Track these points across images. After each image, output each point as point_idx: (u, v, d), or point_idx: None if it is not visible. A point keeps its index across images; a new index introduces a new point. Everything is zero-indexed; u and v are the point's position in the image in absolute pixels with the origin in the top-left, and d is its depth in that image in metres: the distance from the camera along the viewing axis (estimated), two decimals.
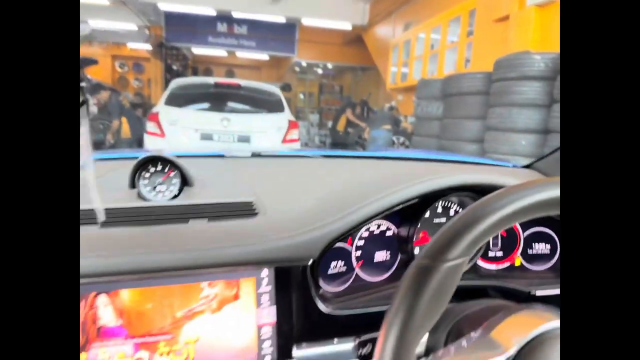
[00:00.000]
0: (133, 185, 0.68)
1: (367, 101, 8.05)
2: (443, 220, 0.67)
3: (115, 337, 0.51)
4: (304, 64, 14.62)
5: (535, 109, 3.35)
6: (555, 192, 0.37)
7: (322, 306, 0.57)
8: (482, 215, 0.37)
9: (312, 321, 0.57)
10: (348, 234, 0.59)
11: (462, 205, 0.67)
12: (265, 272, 0.55)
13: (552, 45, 3.70)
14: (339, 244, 0.63)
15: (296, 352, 0.56)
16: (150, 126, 4.03)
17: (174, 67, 11.97)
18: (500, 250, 0.71)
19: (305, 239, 0.55)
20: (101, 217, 0.55)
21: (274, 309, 0.56)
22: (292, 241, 0.54)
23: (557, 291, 0.66)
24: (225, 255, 0.52)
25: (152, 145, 3.91)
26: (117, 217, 0.57)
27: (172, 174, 0.69)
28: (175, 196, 0.68)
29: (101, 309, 0.51)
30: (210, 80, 4.88)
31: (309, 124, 12.09)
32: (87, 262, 0.49)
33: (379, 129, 6.23)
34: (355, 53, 12.86)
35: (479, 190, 0.64)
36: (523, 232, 0.71)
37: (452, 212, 0.68)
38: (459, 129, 4.39)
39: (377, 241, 0.66)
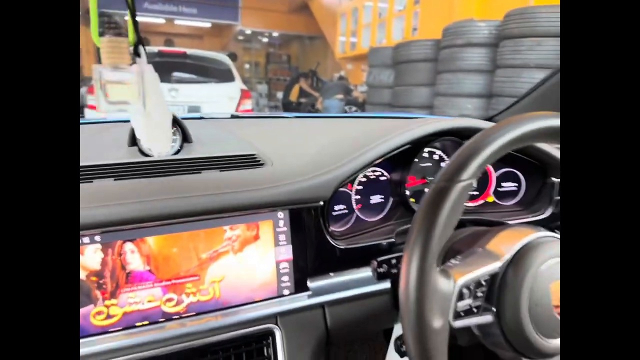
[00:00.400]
0: (133, 142, 0.68)
1: (316, 71, 8.02)
2: (429, 164, 0.75)
3: (144, 281, 0.54)
4: (248, 32, 14.09)
5: (480, 74, 3.57)
6: (552, 122, 0.44)
7: (332, 242, 0.63)
8: (489, 141, 0.44)
9: (324, 256, 0.63)
10: (352, 178, 0.65)
11: (445, 150, 0.75)
12: (281, 215, 0.60)
13: (494, 13, 3.91)
14: (341, 189, 0.69)
15: (310, 283, 0.62)
16: (91, 99, 3.77)
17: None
18: (476, 190, 0.81)
19: (316, 182, 0.59)
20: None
21: (290, 247, 0.61)
22: (305, 184, 0.59)
23: (524, 220, 0.77)
24: (244, 198, 0.56)
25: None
26: (129, 170, 0.58)
27: (173, 131, 0.69)
28: (177, 152, 0.69)
29: (129, 255, 0.53)
30: (154, 49, 4.60)
31: (258, 95, 11.83)
32: (108, 210, 0.50)
33: (331, 98, 6.28)
34: (301, 21, 12.61)
35: (459, 136, 0.72)
36: (495, 171, 0.81)
37: (436, 157, 0.75)
38: (410, 96, 4.56)
39: (373, 186, 0.72)
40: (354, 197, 0.70)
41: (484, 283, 0.47)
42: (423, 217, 0.43)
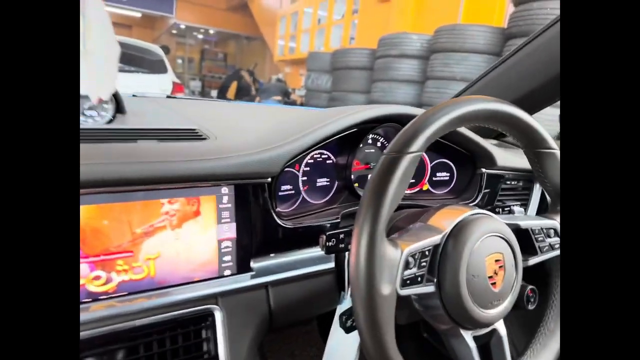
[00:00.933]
0: None
1: (253, 71, 7.93)
2: (372, 151, 0.77)
3: None
4: (182, 26, 13.52)
5: (411, 85, 3.78)
6: (494, 106, 0.48)
7: (278, 221, 0.61)
8: (438, 117, 0.46)
9: (269, 235, 0.61)
10: (299, 158, 0.64)
11: (386, 137, 0.78)
12: (225, 190, 0.57)
13: (426, 27, 4.18)
14: (288, 168, 0.67)
15: (253, 264, 0.60)
16: None
17: None
18: (412, 178, 0.85)
19: (265, 157, 0.58)
20: None
21: (233, 224, 0.58)
22: (252, 158, 0.57)
23: None
24: (185, 169, 0.52)
25: None
26: None
27: (105, 100, 0.63)
28: (109, 122, 0.63)
29: None
30: None
31: (190, 92, 11.37)
32: None
33: (269, 99, 6.24)
34: (240, 20, 12.39)
35: (401, 123, 0.75)
36: (430, 162, 0.85)
37: (379, 144, 0.78)
38: (346, 102, 4.69)
39: (319, 168, 0.72)
40: (301, 178, 0.70)
41: (427, 253, 0.49)
42: (375, 185, 0.44)
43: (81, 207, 0.47)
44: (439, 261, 0.50)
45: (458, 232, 0.51)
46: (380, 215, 0.43)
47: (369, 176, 0.46)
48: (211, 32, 14.35)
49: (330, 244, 0.55)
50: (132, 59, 4.28)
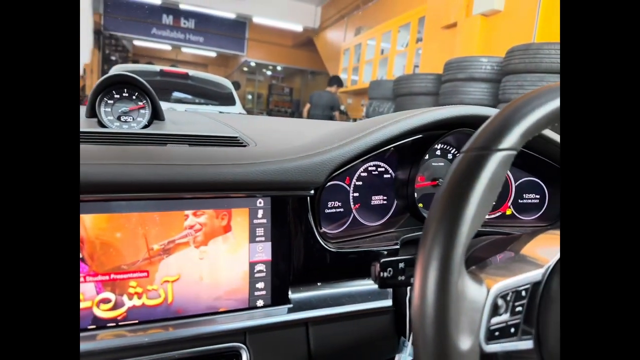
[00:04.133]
0: (92, 114, 0.57)
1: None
2: (442, 164, 0.64)
3: None
4: (252, 64, 14.39)
5: None
6: None
7: (323, 243, 0.50)
8: (539, 103, 0.33)
9: (311, 259, 0.50)
10: (350, 168, 0.53)
11: (458, 146, 0.64)
12: (260, 202, 0.48)
13: (495, 50, 3.94)
14: (337, 181, 0.57)
15: (292, 294, 0.49)
16: None
17: (112, 58, 11.18)
18: None
19: (306, 164, 0.48)
20: None
21: (269, 244, 0.48)
22: (292, 165, 0.47)
23: None
24: (213, 174, 0.44)
25: None
26: (83, 140, 0.47)
27: (142, 104, 0.59)
28: (145, 127, 0.58)
29: None
30: (156, 67, 4.59)
31: None
32: None
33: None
34: (305, 56, 12.92)
35: (475, 127, 0.62)
36: (515, 182, 0.70)
37: (450, 155, 0.64)
38: None
39: (375, 183, 0.61)
40: (352, 194, 0.59)
41: (524, 294, 0.35)
42: (451, 193, 0.32)
43: (89, 216, 0.41)
44: (539, 306, 0.36)
45: None
46: (458, 235, 0.30)
47: (439, 185, 0.33)
48: (279, 68, 15.11)
49: (385, 274, 0.42)
50: (204, 92, 4.57)
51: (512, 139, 0.32)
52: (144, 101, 0.59)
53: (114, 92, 0.58)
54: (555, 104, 0.34)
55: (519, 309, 0.35)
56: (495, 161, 0.32)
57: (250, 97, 16.21)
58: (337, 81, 5.00)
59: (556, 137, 0.59)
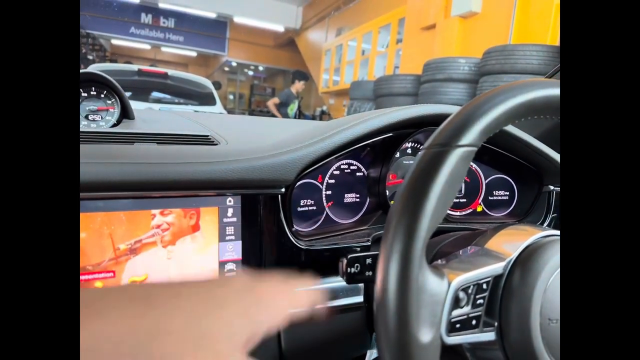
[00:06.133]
0: None
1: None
2: (412, 162, 0.65)
3: None
4: (234, 64, 14.28)
5: None
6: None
7: (295, 241, 0.50)
8: (500, 100, 0.34)
9: (283, 258, 0.50)
10: (322, 166, 0.53)
11: None
12: (230, 201, 0.48)
13: (473, 51, 4.02)
14: (309, 180, 0.57)
15: None
16: None
17: (89, 57, 10.90)
18: (463, 197, 0.71)
19: (277, 161, 0.48)
20: None
21: (239, 243, 0.48)
22: (262, 162, 0.47)
23: None
24: (181, 172, 0.43)
25: None
26: None
27: (110, 103, 0.58)
28: (113, 126, 0.57)
29: None
30: (134, 67, 4.51)
31: None
32: None
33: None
34: (287, 56, 12.90)
35: None
36: (485, 179, 0.72)
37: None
38: None
39: (347, 181, 0.61)
40: (325, 192, 0.59)
41: (485, 287, 0.36)
42: (411, 188, 0.32)
43: None
44: (502, 298, 0.37)
45: (527, 260, 0.38)
46: (418, 229, 0.30)
47: (403, 180, 0.34)
48: (260, 68, 15.03)
49: (352, 270, 0.43)
50: (183, 92, 4.50)
51: (472, 135, 0.33)
52: (113, 100, 0.58)
53: (81, 90, 0.57)
54: (515, 100, 0.35)
55: (480, 301, 0.35)
56: (455, 157, 0.32)
57: (232, 97, 16.07)
58: (298, 76, 4.92)
59: (521, 134, 0.61)
